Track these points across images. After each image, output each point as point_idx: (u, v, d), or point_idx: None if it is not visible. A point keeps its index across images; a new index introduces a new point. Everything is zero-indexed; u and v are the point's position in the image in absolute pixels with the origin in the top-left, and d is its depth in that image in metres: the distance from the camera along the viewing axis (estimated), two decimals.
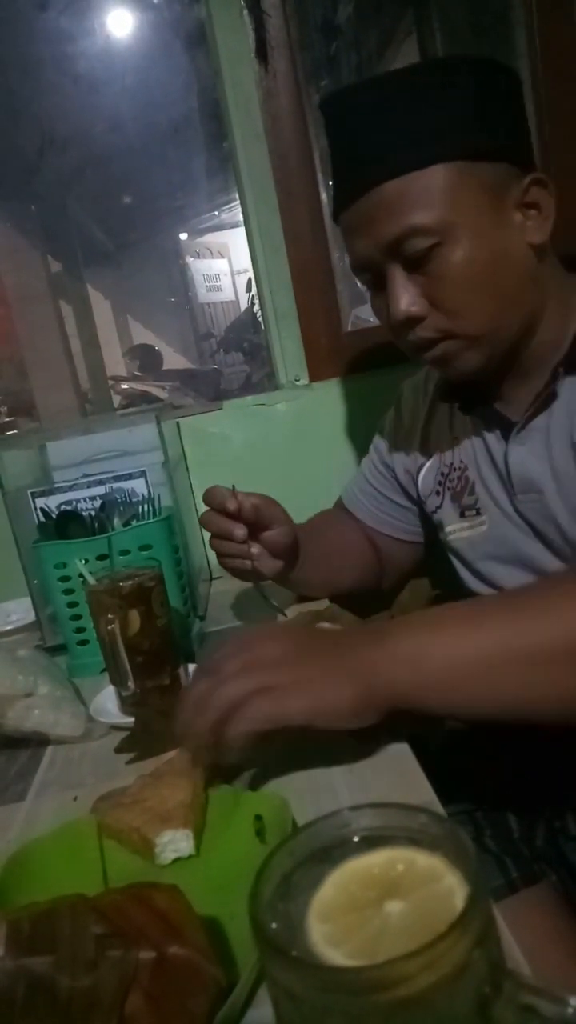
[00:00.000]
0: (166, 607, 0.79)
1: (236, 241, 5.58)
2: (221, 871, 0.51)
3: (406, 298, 0.71)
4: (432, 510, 0.90)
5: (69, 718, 0.74)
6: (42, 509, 0.99)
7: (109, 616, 0.73)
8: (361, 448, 1.06)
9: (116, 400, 4.32)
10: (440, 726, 0.87)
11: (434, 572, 0.88)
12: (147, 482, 1.01)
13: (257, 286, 1.34)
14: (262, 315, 1.36)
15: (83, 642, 0.92)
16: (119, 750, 0.71)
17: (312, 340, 1.31)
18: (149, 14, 3.14)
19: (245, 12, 1.19)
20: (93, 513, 0.96)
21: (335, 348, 1.32)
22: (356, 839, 0.35)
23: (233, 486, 0.84)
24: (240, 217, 1.32)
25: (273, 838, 0.50)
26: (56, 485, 1.03)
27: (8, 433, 2.41)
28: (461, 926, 0.27)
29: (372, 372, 1.28)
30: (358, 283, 0.80)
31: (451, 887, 0.30)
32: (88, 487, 1.01)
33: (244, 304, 5.39)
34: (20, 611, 1.14)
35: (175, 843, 0.52)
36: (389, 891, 0.31)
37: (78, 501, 1.00)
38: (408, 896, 0.31)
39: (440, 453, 0.88)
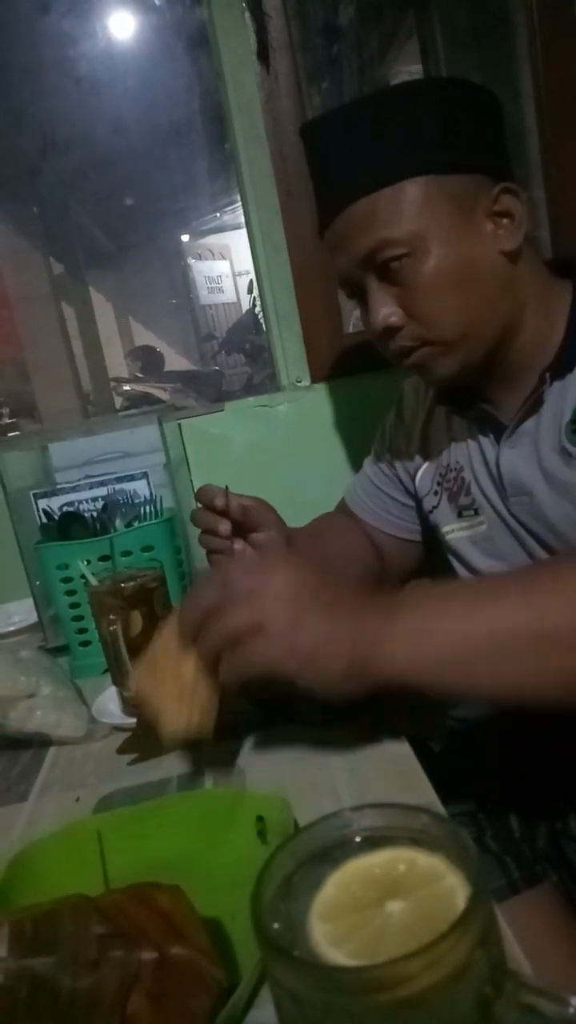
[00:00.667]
0: (168, 608, 0.79)
1: (238, 243, 5.59)
2: (223, 872, 0.51)
3: (383, 310, 0.74)
4: (429, 510, 0.90)
5: (71, 719, 0.74)
6: (44, 510, 1.00)
7: (111, 617, 0.74)
8: (363, 449, 1.06)
9: (118, 401, 4.32)
10: (442, 726, 0.88)
11: (434, 573, 0.88)
12: (149, 483, 1.01)
13: (259, 287, 1.35)
14: (264, 316, 1.36)
15: (85, 643, 0.92)
16: (121, 751, 0.71)
17: (314, 341, 1.31)
18: (151, 16, 3.14)
19: (247, 14, 1.20)
20: (95, 514, 0.96)
21: (337, 349, 1.32)
22: (357, 839, 0.35)
23: (227, 487, 0.84)
24: (242, 219, 1.32)
25: (275, 839, 0.50)
26: (58, 486, 1.03)
27: (10, 434, 2.41)
28: (462, 926, 0.27)
29: (374, 373, 1.28)
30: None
31: (452, 887, 0.30)
32: (90, 488, 1.01)
33: (246, 305, 5.40)
34: (22, 612, 1.14)
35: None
36: (390, 891, 0.31)
37: (80, 502, 1.00)
38: (409, 896, 0.31)
39: (438, 454, 0.89)
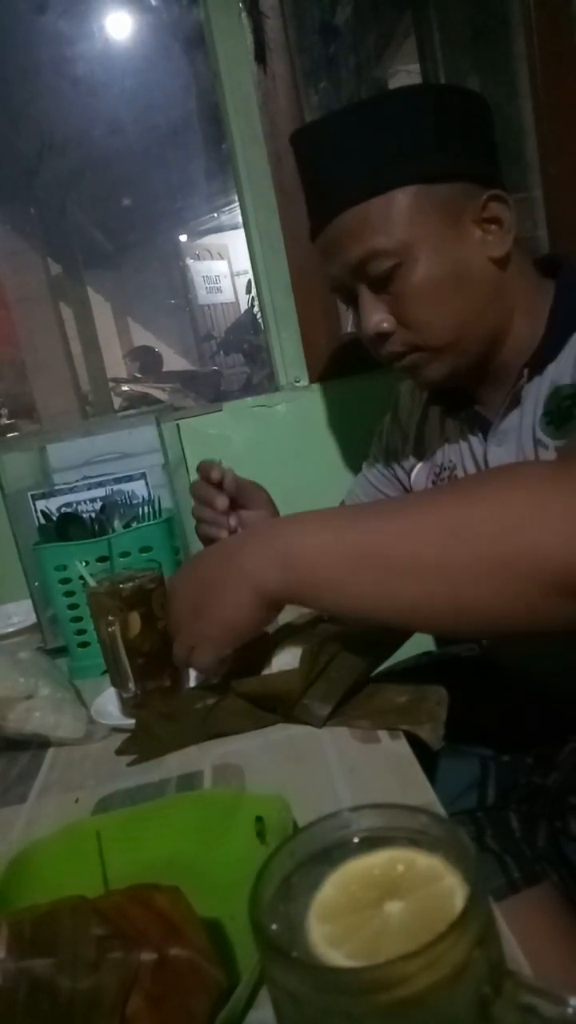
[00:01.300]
0: (167, 609, 0.79)
1: (236, 243, 5.58)
2: (222, 872, 0.51)
3: (374, 317, 0.75)
4: None
5: (70, 720, 0.74)
6: (42, 511, 1.00)
7: (110, 618, 0.73)
8: (361, 448, 1.06)
9: (116, 402, 4.32)
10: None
11: None
12: (147, 484, 1.01)
13: (257, 287, 1.35)
14: (262, 316, 1.36)
15: (84, 644, 0.92)
16: (120, 752, 0.71)
17: (312, 341, 1.31)
18: (148, 17, 3.14)
19: (243, 14, 1.20)
20: (93, 515, 0.96)
21: (335, 349, 1.32)
22: (356, 840, 0.35)
23: (220, 460, 0.89)
24: (239, 219, 1.32)
25: (274, 839, 0.50)
26: (56, 487, 1.03)
27: (8, 435, 2.41)
28: (461, 926, 0.27)
29: (372, 373, 1.28)
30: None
31: (451, 887, 0.30)
32: (88, 489, 1.01)
33: (244, 305, 5.40)
34: (21, 613, 1.14)
35: None
36: (389, 892, 0.31)
37: (78, 503, 1.00)
38: (408, 896, 0.31)
39: (432, 453, 0.91)
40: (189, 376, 5.01)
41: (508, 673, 0.90)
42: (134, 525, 0.94)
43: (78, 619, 0.92)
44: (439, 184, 0.71)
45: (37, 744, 0.75)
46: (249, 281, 3.82)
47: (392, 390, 1.02)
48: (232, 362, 4.88)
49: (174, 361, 5.97)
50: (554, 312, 0.75)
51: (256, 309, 1.63)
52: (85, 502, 1.00)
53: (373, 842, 0.34)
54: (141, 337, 6.50)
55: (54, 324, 3.73)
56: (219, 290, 6.20)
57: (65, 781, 0.68)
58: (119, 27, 3.21)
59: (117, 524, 0.94)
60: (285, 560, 0.59)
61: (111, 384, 4.55)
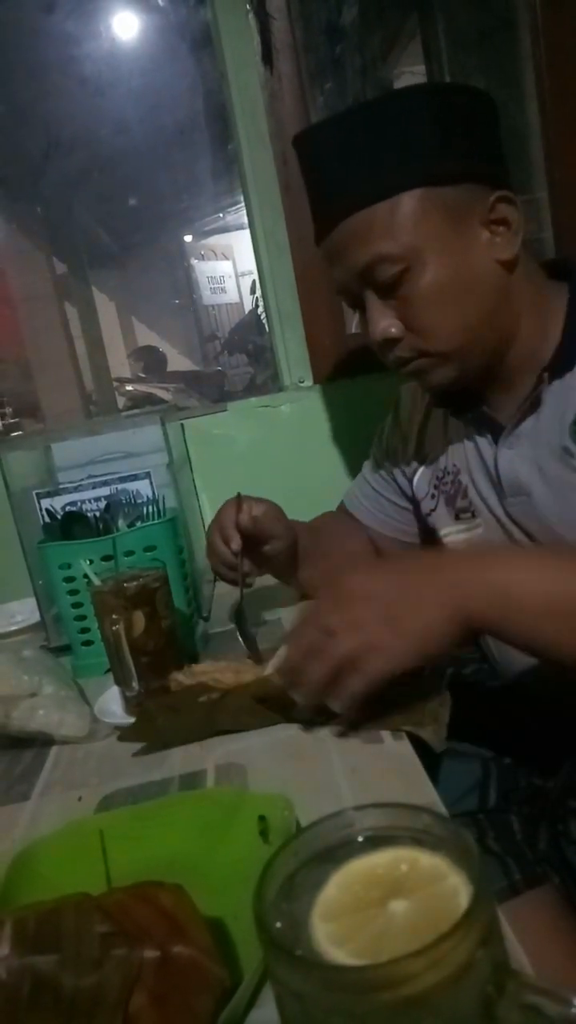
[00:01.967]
0: (170, 608, 0.79)
1: (241, 243, 5.58)
2: (225, 871, 0.51)
3: (382, 323, 0.74)
4: (427, 513, 0.91)
5: (74, 718, 0.74)
6: (47, 510, 1.00)
7: (114, 617, 0.74)
8: (365, 449, 1.06)
9: (121, 401, 4.32)
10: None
11: None
12: (151, 483, 1.01)
13: (261, 288, 1.35)
14: (266, 317, 1.36)
15: (88, 642, 0.92)
16: (123, 738, 0.71)
17: (316, 342, 1.31)
18: (155, 17, 3.14)
19: (250, 15, 1.20)
20: (98, 514, 0.96)
21: (339, 350, 1.32)
22: (360, 839, 0.35)
23: (239, 494, 0.89)
24: (245, 219, 1.33)
25: (277, 838, 0.50)
26: (61, 486, 1.03)
27: (13, 434, 2.42)
28: (465, 926, 0.27)
29: (376, 374, 1.28)
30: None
31: (455, 887, 0.30)
32: (93, 488, 1.01)
33: (248, 306, 5.40)
34: (25, 611, 1.14)
35: None
36: (393, 891, 0.31)
37: (83, 502, 1.00)
38: (412, 896, 0.31)
39: (435, 457, 0.90)
40: (193, 376, 5.01)
41: (511, 682, 0.90)
42: (138, 524, 0.94)
43: (82, 618, 0.92)
44: (445, 186, 0.70)
45: (41, 742, 0.75)
46: (254, 281, 3.81)
47: (396, 391, 1.01)
48: (236, 362, 4.88)
49: (178, 361, 5.97)
50: (571, 316, 0.74)
51: (260, 309, 1.63)
52: (89, 501, 1.01)
53: (377, 841, 0.34)
54: (145, 337, 6.51)
55: (59, 323, 3.73)
56: (223, 290, 6.20)
57: (68, 779, 0.69)
58: (126, 27, 3.21)
59: (121, 523, 0.94)
60: (497, 592, 0.58)
61: (115, 384, 4.55)
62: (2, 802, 0.67)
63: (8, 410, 3.42)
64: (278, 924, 0.31)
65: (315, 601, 0.67)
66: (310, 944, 0.30)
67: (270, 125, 1.24)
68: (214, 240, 6.12)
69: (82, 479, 1.03)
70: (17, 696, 0.73)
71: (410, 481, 0.94)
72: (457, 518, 0.86)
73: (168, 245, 6.12)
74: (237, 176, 1.32)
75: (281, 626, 0.96)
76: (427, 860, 0.32)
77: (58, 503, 1.00)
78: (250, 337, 4.60)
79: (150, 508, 0.97)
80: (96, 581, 0.78)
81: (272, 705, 0.69)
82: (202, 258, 6.17)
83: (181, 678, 0.76)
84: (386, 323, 0.74)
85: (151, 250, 5.99)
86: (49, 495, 1.01)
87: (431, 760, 0.61)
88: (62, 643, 0.98)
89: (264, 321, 1.43)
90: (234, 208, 5.25)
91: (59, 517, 0.97)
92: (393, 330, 0.74)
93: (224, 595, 1.15)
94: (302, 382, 1.32)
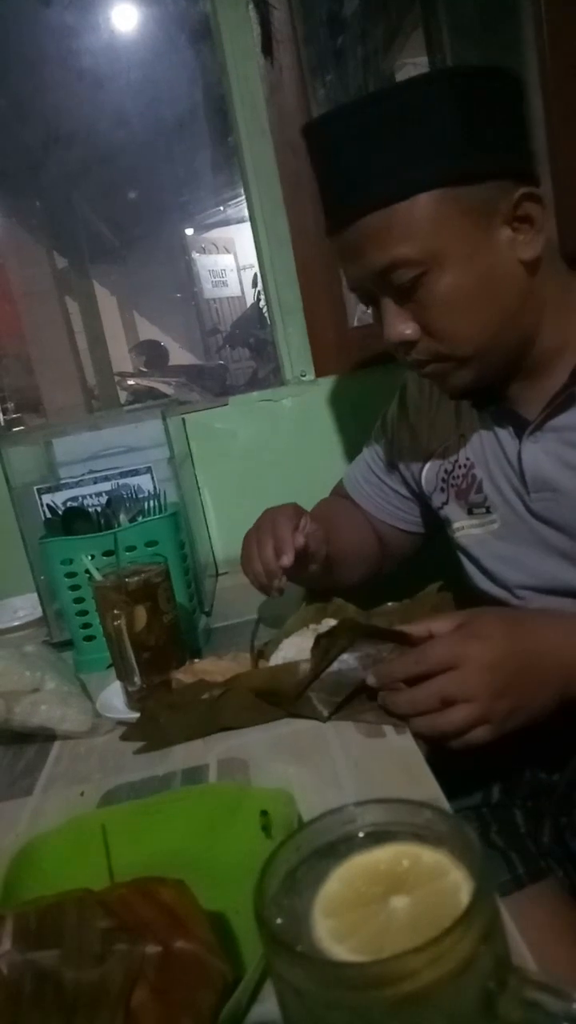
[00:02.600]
0: (172, 603, 0.79)
1: (242, 236, 5.57)
2: (227, 866, 0.51)
3: (397, 326, 0.72)
4: (438, 506, 0.90)
5: (76, 713, 0.74)
6: (48, 505, 1.00)
7: (115, 612, 0.74)
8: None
9: (122, 396, 4.33)
10: None
11: (440, 565, 0.88)
12: (153, 478, 1.01)
13: (263, 281, 1.34)
14: (268, 310, 1.36)
15: (89, 638, 0.92)
16: (125, 738, 0.72)
17: (318, 335, 1.31)
18: (154, 9, 3.13)
19: (250, 6, 1.19)
20: (99, 509, 0.96)
21: (341, 343, 1.31)
22: (362, 835, 0.35)
23: (295, 504, 0.89)
24: (246, 212, 1.32)
25: (279, 833, 0.50)
26: (62, 481, 1.03)
27: (14, 429, 2.41)
28: (466, 921, 0.27)
29: (378, 367, 1.28)
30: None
31: (456, 883, 0.30)
32: (94, 483, 1.01)
33: (250, 299, 5.38)
34: (27, 607, 1.14)
35: None
36: (394, 887, 0.31)
37: (84, 497, 1.00)
38: (413, 892, 0.31)
39: (443, 451, 0.88)
40: (195, 370, 5.01)
41: None
42: (140, 519, 0.94)
43: (84, 613, 0.92)
44: (469, 185, 0.66)
45: (43, 737, 0.75)
46: (255, 275, 3.81)
47: (398, 386, 1.01)
48: (238, 356, 4.88)
49: (180, 355, 5.97)
50: None
51: (262, 303, 1.63)
52: (91, 496, 1.00)
53: (378, 837, 0.34)
54: (147, 331, 6.50)
55: (60, 318, 3.73)
56: (225, 284, 6.19)
57: (71, 774, 0.69)
58: (125, 19, 3.19)
59: (123, 518, 0.94)
60: None
61: (117, 378, 4.55)
62: (5, 797, 0.67)
63: (9, 405, 3.42)
64: (279, 919, 0.31)
65: (434, 640, 0.65)
66: (311, 940, 0.30)
67: (270, 117, 1.23)
68: (215, 233, 6.11)
69: (83, 474, 1.03)
70: (19, 691, 0.73)
71: (418, 474, 0.93)
72: (470, 512, 0.84)
73: (169, 239, 6.11)
74: (237, 169, 1.31)
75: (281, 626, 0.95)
76: (429, 856, 0.32)
77: (59, 498, 1.00)
78: (252, 331, 4.59)
79: (151, 503, 0.97)
80: (98, 576, 0.78)
81: (274, 700, 0.69)
82: (203, 251, 6.16)
83: (182, 677, 0.75)
84: (402, 326, 0.71)
85: (152, 244, 5.98)
86: (50, 490, 1.01)
87: (434, 755, 0.61)
88: (64, 638, 0.98)
89: (266, 315, 1.43)
90: (235, 201, 5.24)
91: (60, 512, 0.97)
92: (409, 332, 0.71)
93: (226, 589, 1.15)
94: (304, 376, 1.31)
